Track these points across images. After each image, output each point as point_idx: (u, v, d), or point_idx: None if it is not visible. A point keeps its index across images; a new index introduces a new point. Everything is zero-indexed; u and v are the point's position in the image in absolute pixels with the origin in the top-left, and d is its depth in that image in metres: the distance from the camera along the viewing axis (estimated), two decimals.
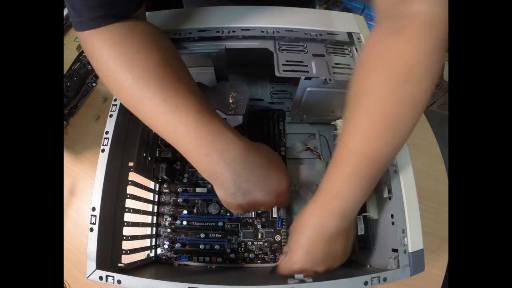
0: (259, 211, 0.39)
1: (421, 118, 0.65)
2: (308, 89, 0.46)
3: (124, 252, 0.37)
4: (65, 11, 0.78)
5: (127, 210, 0.39)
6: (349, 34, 0.45)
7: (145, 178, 0.46)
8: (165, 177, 0.49)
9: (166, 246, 0.49)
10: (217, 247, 0.48)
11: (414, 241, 0.33)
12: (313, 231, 0.34)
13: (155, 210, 0.50)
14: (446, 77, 1.34)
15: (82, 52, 0.71)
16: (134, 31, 0.34)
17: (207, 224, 0.49)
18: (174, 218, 0.50)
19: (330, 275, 0.40)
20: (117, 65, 0.33)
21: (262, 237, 0.49)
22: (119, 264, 0.35)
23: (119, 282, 0.30)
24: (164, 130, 0.33)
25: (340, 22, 0.46)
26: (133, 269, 0.37)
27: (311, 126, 0.56)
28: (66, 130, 0.64)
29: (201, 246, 0.48)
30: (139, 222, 0.44)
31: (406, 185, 0.35)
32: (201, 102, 0.33)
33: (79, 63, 0.69)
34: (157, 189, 0.51)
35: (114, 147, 0.36)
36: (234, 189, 0.34)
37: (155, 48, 0.34)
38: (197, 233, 0.49)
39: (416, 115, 0.30)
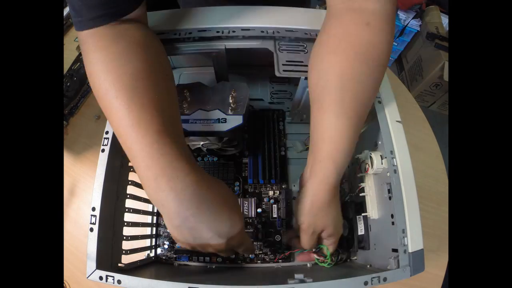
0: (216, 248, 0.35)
1: (421, 118, 0.66)
2: (308, 89, 0.46)
3: (124, 252, 0.37)
4: (65, 11, 0.78)
5: (127, 210, 0.39)
6: None
7: None
8: None
9: (166, 246, 0.49)
10: None
11: (414, 241, 0.33)
12: (310, 198, 0.38)
13: (155, 210, 0.50)
14: (446, 77, 1.34)
15: None
16: (122, 36, 0.34)
17: None
18: None
19: (330, 275, 0.40)
20: (97, 70, 0.33)
21: (262, 237, 0.49)
22: (119, 264, 0.35)
23: (119, 282, 0.30)
24: (122, 143, 0.32)
25: None
26: (133, 269, 0.37)
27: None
28: (66, 130, 0.64)
29: None
30: (139, 222, 0.44)
31: (406, 185, 0.35)
32: (165, 123, 0.32)
33: (79, 63, 0.69)
34: None
35: (114, 147, 0.36)
36: (179, 222, 0.31)
37: (137, 57, 0.34)
38: None
39: (377, 90, 0.38)
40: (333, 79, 0.35)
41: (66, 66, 0.69)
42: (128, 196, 0.40)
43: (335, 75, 0.35)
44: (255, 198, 0.51)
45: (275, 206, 0.51)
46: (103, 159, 0.35)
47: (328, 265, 0.42)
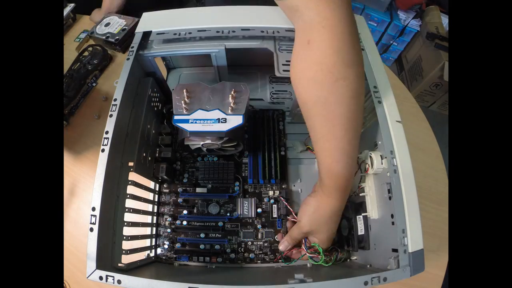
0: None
1: (421, 118, 0.66)
2: None
3: (124, 252, 0.37)
4: (65, 11, 0.78)
5: (127, 210, 0.39)
6: None
7: (145, 178, 0.46)
8: (165, 177, 0.49)
9: (166, 246, 0.49)
10: (217, 247, 0.48)
11: (414, 241, 0.33)
12: (316, 204, 0.41)
13: (155, 210, 0.50)
14: (446, 77, 1.34)
15: (82, 52, 0.71)
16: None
17: (207, 224, 0.49)
18: (174, 218, 0.50)
19: (330, 275, 0.40)
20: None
21: (262, 237, 0.49)
22: (119, 264, 0.35)
23: (119, 282, 0.30)
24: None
25: None
26: (133, 269, 0.37)
27: None
28: (66, 130, 0.64)
29: (201, 246, 0.48)
30: (139, 222, 0.44)
31: (406, 185, 0.35)
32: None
33: (79, 63, 0.69)
34: (157, 189, 0.51)
35: (114, 147, 0.36)
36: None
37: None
38: (197, 233, 0.49)
39: (359, 100, 0.35)
40: (301, 107, 0.36)
41: (66, 66, 0.69)
42: (128, 196, 0.40)
43: (301, 102, 0.36)
44: (255, 198, 0.51)
45: (275, 206, 0.51)
46: (103, 159, 0.35)
47: (324, 262, 0.42)
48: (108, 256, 0.34)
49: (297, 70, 0.35)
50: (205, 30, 0.44)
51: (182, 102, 0.44)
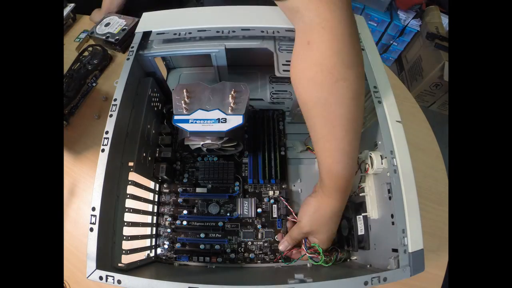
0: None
1: (421, 118, 0.66)
2: None
3: (124, 252, 0.37)
4: (65, 11, 0.78)
5: (127, 210, 0.39)
6: None
7: (145, 178, 0.46)
8: (165, 177, 0.49)
9: (166, 246, 0.49)
10: (217, 247, 0.48)
11: (414, 241, 0.33)
12: (316, 204, 0.41)
13: (155, 210, 0.50)
14: (446, 77, 1.34)
15: (82, 52, 0.71)
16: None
17: (207, 224, 0.49)
18: (174, 218, 0.50)
19: (330, 275, 0.40)
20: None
21: (262, 237, 0.49)
22: (119, 264, 0.35)
23: (119, 282, 0.30)
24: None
25: None
26: (133, 269, 0.37)
27: None
28: (66, 130, 0.64)
29: (201, 246, 0.48)
30: (139, 222, 0.44)
31: (406, 185, 0.35)
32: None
33: (79, 63, 0.69)
34: (157, 189, 0.51)
35: (114, 147, 0.36)
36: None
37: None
38: (197, 233, 0.49)
39: (359, 101, 0.35)
40: (301, 107, 0.37)
41: (66, 66, 0.69)
42: (128, 196, 0.40)
43: (301, 103, 0.36)
44: (255, 198, 0.51)
45: (275, 206, 0.51)
46: (103, 159, 0.35)
47: (324, 262, 0.42)
48: (108, 256, 0.34)
49: (297, 71, 0.35)
50: (205, 30, 0.44)
51: (182, 102, 0.44)
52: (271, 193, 0.52)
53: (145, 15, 0.48)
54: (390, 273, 0.32)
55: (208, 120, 0.43)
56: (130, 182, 0.40)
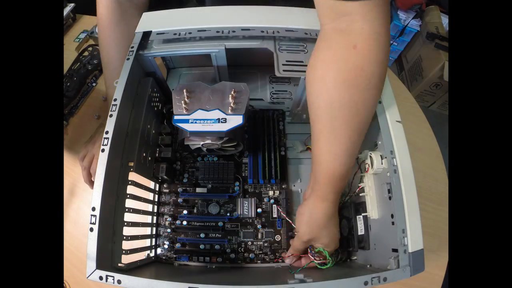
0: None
1: (421, 118, 0.66)
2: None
3: (124, 252, 0.37)
4: (65, 11, 0.78)
5: (127, 210, 0.39)
6: None
7: (145, 178, 0.46)
8: (165, 177, 0.49)
9: (166, 246, 0.49)
10: (217, 247, 0.48)
11: (414, 241, 0.33)
12: (312, 213, 0.41)
13: (155, 210, 0.50)
14: (446, 77, 1.34)
15: (82, 52, 0.71)
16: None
17: (207, 224, 0.49)
18: (174, 218, 0.50)
19: (330, 275, 0.40)
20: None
21: (262, 237, 0.49)
22: (119, 264, 0.35)
23: (119, 282, 0.30)
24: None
25: None
26: (133, 269, 0.37)
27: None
28: (66, 130, 0.64)
29: (201, 246, 0.48)
30: (139, 222, 0.44)
31: (406, 185, 0.35)
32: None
33: (79, 63, 0.69)
34: (157, 189, 0.51)
35: (114, 147, 0.36)
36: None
37: None
38: (197, 233, 0.49)
39: (373, 112, 0.38)
40: (323, 106, 0.36)
41: (66, 66, 0.69)
42: (128, 196, 0.40)
43: (324, 102, 0.36)
44: (255, 198, 0.51)
45: (275, 206, 0.51)
46: (103, 159, 0.35)
47: (330, 264, 0.41)
48: (108, 256, 0.34)
49: (330, 68, 0.35)
50: (205, 30, 0.44)
51: (182, 102, 0.44)
52: (271, 193, 0.52)
53: (145, 15, 0.48)
54: (390, 273, 0.32)
55: (208, 120, 0.43)
56: (130, 182, 0.40)
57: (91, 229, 0.32)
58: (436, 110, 1.57)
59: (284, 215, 0.49)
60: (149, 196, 0.49)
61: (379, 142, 0.39)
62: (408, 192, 0.35)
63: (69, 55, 0.72)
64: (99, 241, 0.32)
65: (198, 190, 0.52)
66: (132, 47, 0.44)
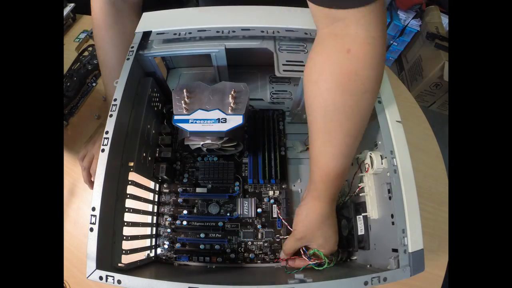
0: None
1: (421, 118, 0.66)
2: None
3: (124, 252, 0.37)
4: (65, 11, 0.78)
5: (127, 210, 0.39)
6: None
7: (145, 178, 0.46)
8: (165, 177, 0.49)
9: (166, 246, 0.49)
10: (217, 247, 0.48)
11: (414, 241, 0.33)
12: (309, 213, 0.41)
13: (155, 210, 0.50)
14: (446, 77, 1.34)
15: (82, 52, 0.71)
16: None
17: (207, 224, 0.49)
18: (174, 218, 0.50)
19: (330, 275, 0.40)
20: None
21: (262, 237, 0.49)
22: (119, 264, 0.35)
23: (119, 282, 0.30)
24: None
25: None
26: (133, 269, 0.37)
27: None
28: (66, 130, 0.64)
29: (201, 246, 0.48)
30: (139, 222, 0.44)
31: (406, 185, 0.35)
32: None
33: (79, 63, 0.69)
34: (157, 189, 0.51)
35: (114, 147, 0.36)
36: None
37: None
38: (197, 233, 0.49)
39: (369, 114, 0.37)
40: (318, 109, 0.37)
41: (66, 66, 0.69)
42: (128, 196, 0.40)
43: (319, 105, 0.36)
44: (255, 198, 0.51)
45: (275, 206, 0.51)
46: (103, 159, 0.35)
47: (328, 265, 0.41)
48: (108, 256, 0.34)
49: (326, 73, 0.35)
50: (205, 30, 0.44)
51: (182, 102, 0.44)
52: (271, 193, 0.52)
53: (145, 15, 0.48)
54: (390, 273, 0.32)
55: (208, 120, 0.43)
56: (130, 182, 0.40)
57: (91, 229, 0.32)
58: (436, 110, 1.57)
59: (282, 218, 0.49)
60: (149, 196, 0.49)
61: (379, 142, 0.39)
62: (408, 192, 0.35)
63: (69, 55, 0.72)
64: (99, 241, 0.32)
65: (198, 190, 0.52)
66: (132, 47, 0.44)
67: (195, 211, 0.50)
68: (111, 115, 0.37)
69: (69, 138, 0.62)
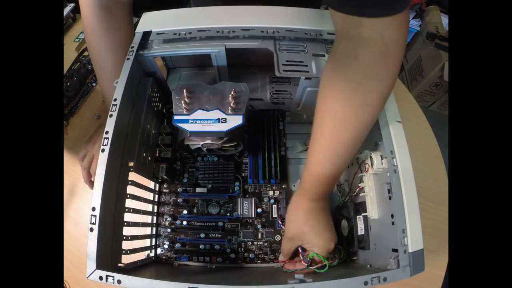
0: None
1: (421, 118, 0.66)
2: (308, 89, 0.46)
3: (124, 252, 0.37)
4: (65, 11, 0.78)
5: (127, 210, 0.39)
6: None
7: (145, 178, 0.46)
8: (165, 177, 0.49)
9: (166, 246, 0.49)
10: (217, 247, 0.48)
11: (414, 241, 0.33)
12: (294, 210, 0.42)
13: (155, 210, 0.50)
14: (446, 77, 1.34)
15: (82, 52, 0.71)
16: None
17: (207, 224, 0.49)
18: (174, 218, 0.50)
19: (330, 275, 0.40)
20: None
21: (262, 237, 0.49)
22: (119, 264, 0.35)
23: (119, 282, 0.30)
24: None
25: None
26: (133, 269, 0.37)
27: (311, 126, 0.56)
28: (66, 130, 0.64)
29: (201, 246, 0.48)
30: (139, 222, 0.44)
31: (406, 185, 0.35)
32: None
33: (79, 63, 0.69)
34: (157, 189, 0.51)
35: (114, 147, 0.36)
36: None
37: None
38: (197, 233, 0.49)
39: (368, 129, 0.36)
40: (317, 111, 0.37)
41: (66, 66, 0.69)
42: (128, 196, 0.40)
43: (318, 108, 0.36)
44: (255, 198, 0.51)
45: (275, 206, 0.51)
46: (103, 159, 0.35)
47: (330, 265, 0.41)
48: (108, 256, 0.34)
49: (331, 74, 0.34)
50: (205, 30, 0.44)
51: (182, 102, 0.44)
52: (271, 193, 0.52)
53: (145, 15, 0.48)
54: (390, 273, 0.32)
55: (208, 120, 0.43)
56: (130, 182, 0.40)
57: (91, 229, 0.32)
58: (436, 110, 1.57)
59: (278, 218, 0.49)
60: (149, 196, 0.49)
61: (379, 142, 0.39)
62: (408, 192, 0.35)
63: (69, 55, 0.72)
64: (99, 241, 0.32)
65: (198, 190, 0.52)
66: (132, 47, 0.44)
67: (195, 211, 0.50)
68: (111, 115, 0.37)
69: (69, 138, 0.62)
